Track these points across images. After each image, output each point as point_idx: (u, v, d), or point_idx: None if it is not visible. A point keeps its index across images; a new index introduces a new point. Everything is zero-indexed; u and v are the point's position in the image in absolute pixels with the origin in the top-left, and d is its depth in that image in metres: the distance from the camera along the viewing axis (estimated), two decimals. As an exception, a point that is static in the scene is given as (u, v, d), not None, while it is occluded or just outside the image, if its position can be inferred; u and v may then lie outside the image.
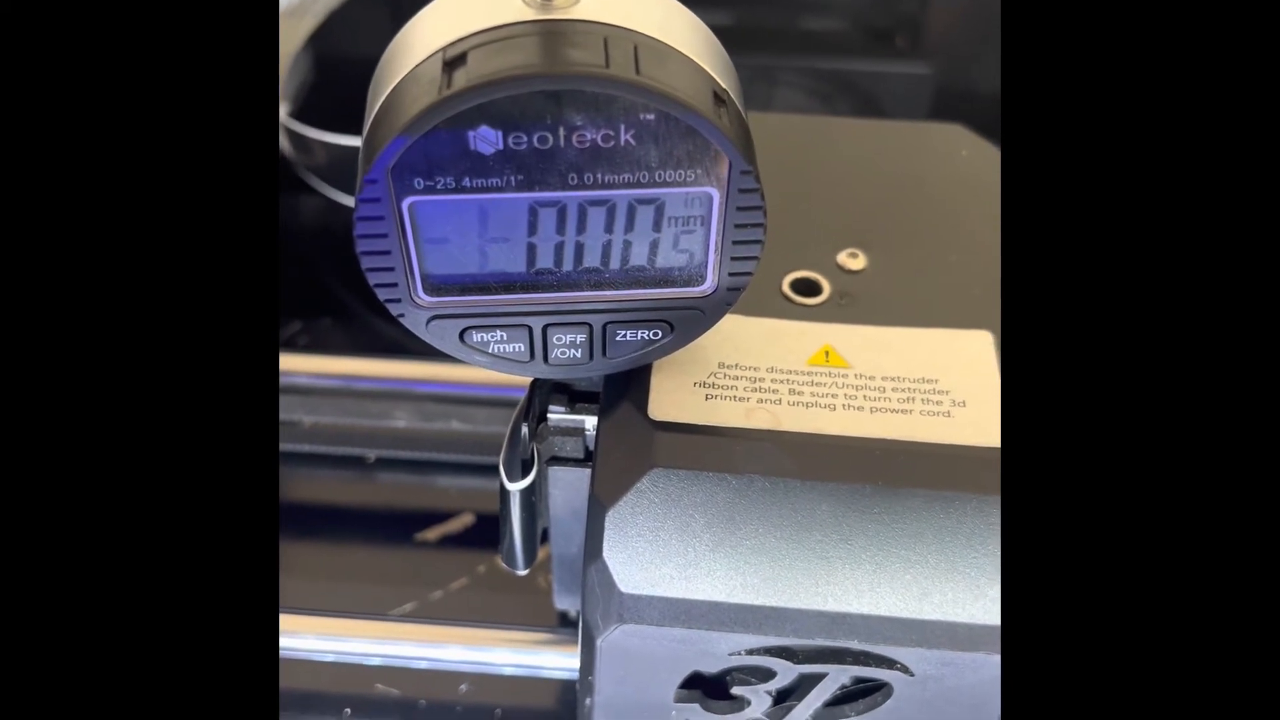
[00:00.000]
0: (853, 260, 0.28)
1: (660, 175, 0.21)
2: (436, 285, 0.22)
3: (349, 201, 0.46)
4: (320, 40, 0.50)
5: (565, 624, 0.33)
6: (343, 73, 0.50)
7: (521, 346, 0.23)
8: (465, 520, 0.37)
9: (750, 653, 0.24)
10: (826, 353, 0.26)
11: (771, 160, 0.23)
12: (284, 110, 0.46)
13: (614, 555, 0.24)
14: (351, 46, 0.50)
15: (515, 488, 0.26)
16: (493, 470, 0.26)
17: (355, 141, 0.44)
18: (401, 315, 0.23)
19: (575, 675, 0.31)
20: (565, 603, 0.32)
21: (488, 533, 0.37)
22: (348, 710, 0.33)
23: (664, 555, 0.24)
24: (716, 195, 0.21)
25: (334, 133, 0.44)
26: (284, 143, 0.47)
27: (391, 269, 0.22)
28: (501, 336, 0.23)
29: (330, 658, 0.31)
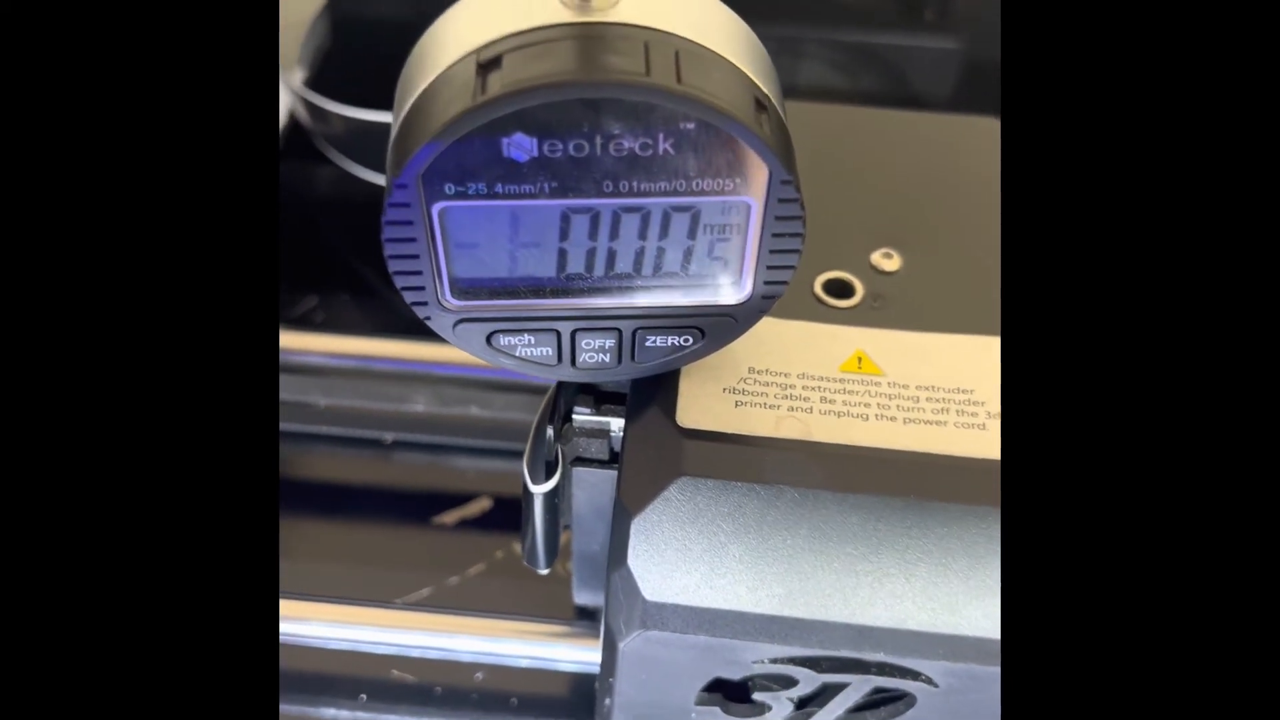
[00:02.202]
0: (887, 261, 0.27)
1: (698, 184, 0.20)
2: (465, 289, 0.22)
3: (366, 174, 0.46)
4: (338, 4, 0.49)
5: (583, 615, 0.33)
6: (361, 38, 0.49)
7: (549, 350, 0.23)
8: (483, 504, 0.37)
9: (774, 661, 0.24)
10: (859, 359, 0.25)
11: (804, 154, 0.22)
12: (300, 78, 0.46)
13: (639, 562, 0.23)
14: (370, 10, 0.49)
15: (539, 490, 0.25)
16: (512, 455, 0.26)
17: (372, 115, 0.43)
18: (428, 319, 0.22)
19: (591, 668, 0.31)
20: (585, 598, 0.32)
21: (506, 518, 0.37)
22: (363, 695, 0.33)
23: (689, 564, 0.23)
24: (755, 204, 0.21)
25: (351, 102, 0.44)
26: (300, 111, 0.46)
27: (419, 273, 0.21)
28: (529, 340, 0.23)
29: (345, 646, 0.31)
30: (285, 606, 0.31)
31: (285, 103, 0.48)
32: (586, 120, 0.19)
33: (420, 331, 0.35)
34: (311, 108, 0.45)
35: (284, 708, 0.32)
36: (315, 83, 0.46)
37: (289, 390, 0.38)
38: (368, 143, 0.44)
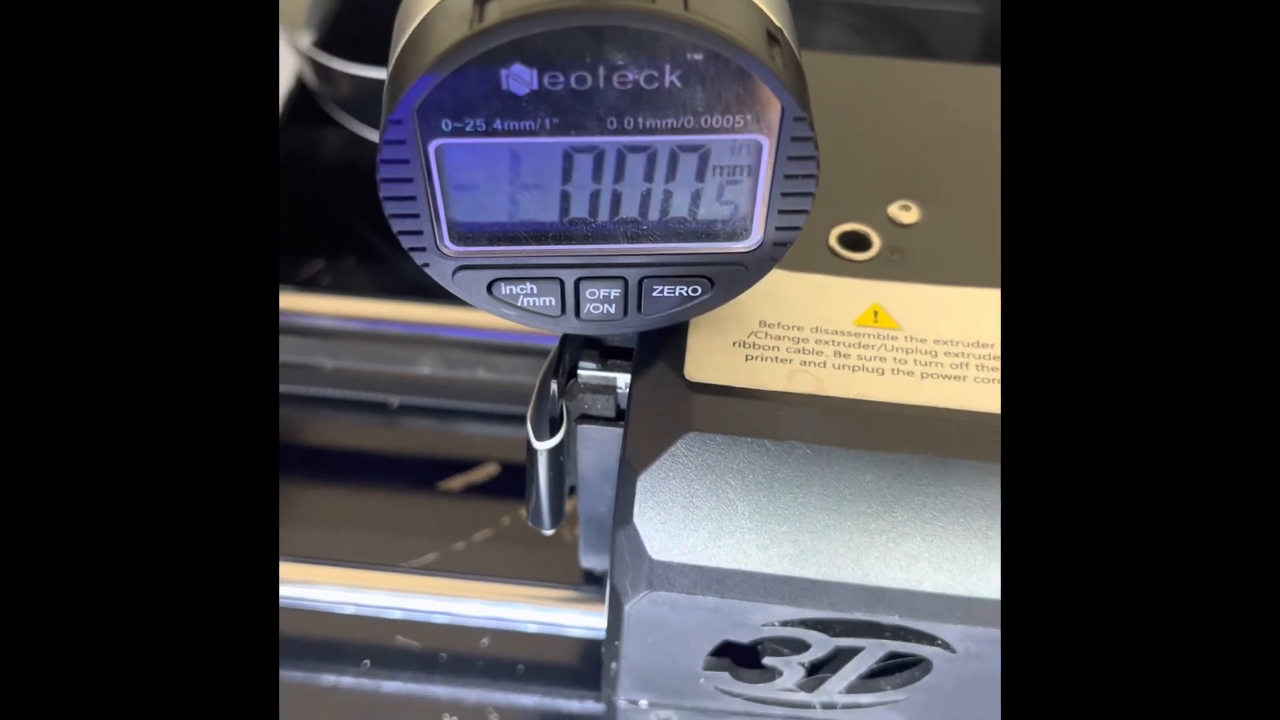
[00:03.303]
0: (905, 213, 0.26)
1: (706, 121, 0.19)
2: (464, 234, 0.21)
3: (375, 136, 0.45)
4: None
5: (590, 580, 0.32)
6: None
7: (552, 300, 0.22)
8: (490, 470, 0.36)
9: (785, 624, 0.23)
10: (875, 312, 0.24)
11: (819, 104, 0.21)
12: (307, 39, 0.45)
13: (645, 521, 0.23)
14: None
15: (543, 447, 0.25)
16: (519, 419, 0.25)
17: (381, 74, 0.43)
18: (426, 265, 0.21)
19: (598, 634, 0.30)
20: (591, 561, 0.31)
21: (513, 483, 0.36)
22: (367, 661, 0.32)
23: (697, 522, 0.23)
24: (766, 143, 0.20)
25: (359, 63, 0.43)
26: (307, 73, 0.45)
27: (416, 215, 0.20)
28: (532, 289, 0.22)
29: (350, 610, 0.31)
30: (288, 570, 0.30)
31: (292, 66, 0.47)
32: (589, 50, 0.18)
33: (427, 293, 0.35)
34: (319, 69, 0.44)
35: (285, 674, 0.32)
36: (323, 44, 0.45)
37: (294, 353, 0.37)
38: (376, 103, 0.43)
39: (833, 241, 0.26)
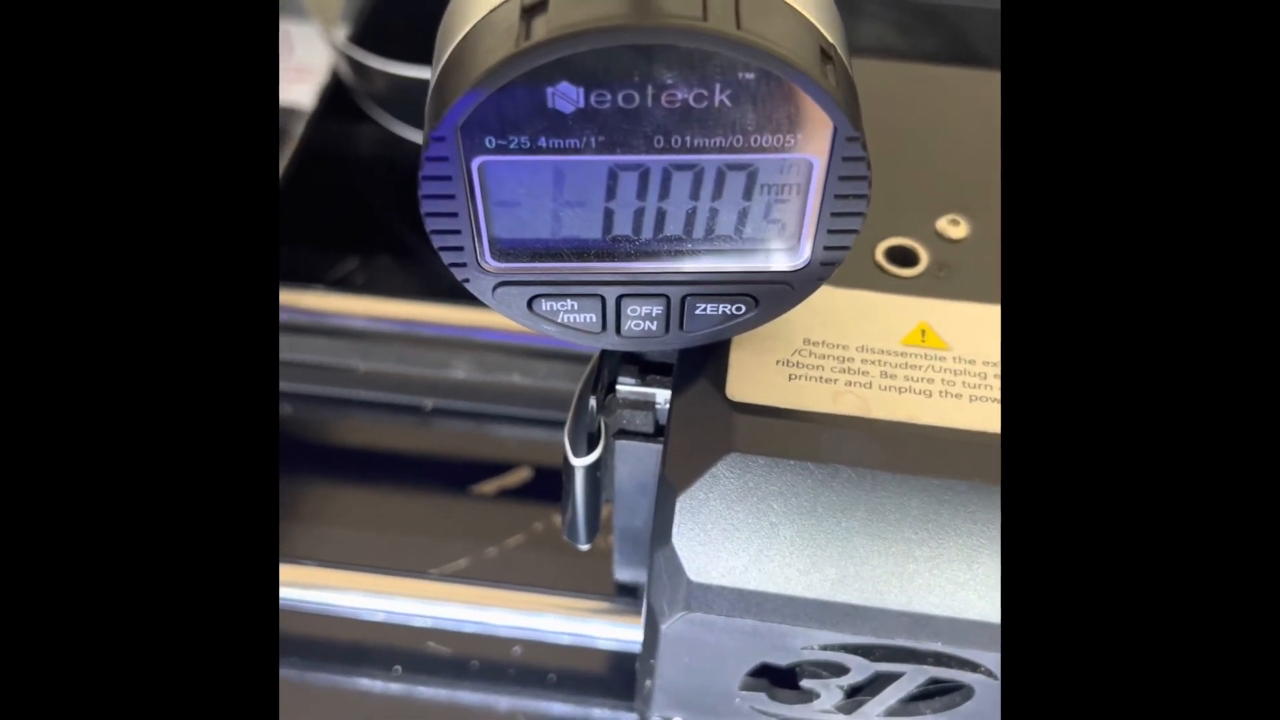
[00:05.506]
0: (954, 228, 0.25)
1: (756, 140, 0.19)
2: (505, 250, 0.21)
3: (410, 133, 0.44)
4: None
5: (624, 591, 0.32)
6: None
7: (593, 317, 0.22)
8: (523, 474, 0.36)
9: (825, 648, 0.23)
10: (923, 331, 0.24)
11: (865, 113, 0.21)
12: (343, 34, 0.44)
13: (684, 542, 0.22)
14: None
15: (580, 463, 0.24)
16: (554, 423, 0.25)
17: (416, 72, 0.42)
18: (466, 280, 0.21)
19: (631, 647, 0.30)
20: (626, 575, 0.31)
21: (546, 488, 0.36)
22: (398, 667, 0.32)
23: (737, 545, 0.22)
24: (817, 163, 0.19)
25: (396, 59, 0.42)
26: (343, 69, 0.45)
27: (458, 232, 0.20)
28: (572, 306, 0.22)
29: (380, 617, 0.31)
30: (318, 575, 0.30)
31: (328, 60, 0.47)
32: (637, 69, 0.17)
33: (462, 296, 0.34)
34: (355, 65, 0.44)
35: (317, 677, 0.32)
36: (359, 39, 0.44)
37: (327, 354, 0.37)
38: (412, 100, 0.43)
39: (879, 257, 0.25)
